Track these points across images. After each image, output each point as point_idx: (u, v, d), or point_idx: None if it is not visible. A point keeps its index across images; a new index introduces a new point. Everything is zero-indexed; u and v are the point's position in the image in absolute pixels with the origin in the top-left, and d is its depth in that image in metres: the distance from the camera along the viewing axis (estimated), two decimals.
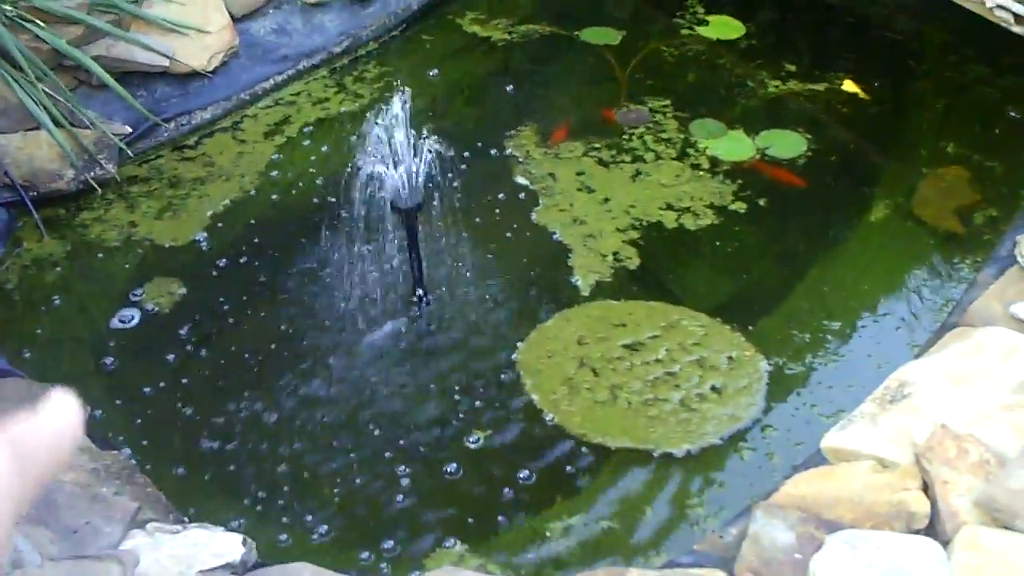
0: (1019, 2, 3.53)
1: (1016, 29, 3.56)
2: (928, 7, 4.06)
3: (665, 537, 2.67)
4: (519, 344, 3.15)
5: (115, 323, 3.24)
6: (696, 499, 2.75)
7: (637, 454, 2.86)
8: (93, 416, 2.91)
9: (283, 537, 2.69)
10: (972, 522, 2.21)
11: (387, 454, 2.89)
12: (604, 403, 2.97)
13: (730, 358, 3.11)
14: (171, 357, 3.14)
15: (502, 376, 3.07)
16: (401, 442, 2.92)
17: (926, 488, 2.32)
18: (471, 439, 2.90)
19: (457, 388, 3.05)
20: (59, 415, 0.68)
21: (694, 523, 2.69)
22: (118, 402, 3.02)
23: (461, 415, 2.97)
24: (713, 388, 3.02)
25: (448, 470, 2.84)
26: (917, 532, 2.25)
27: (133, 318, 3.25)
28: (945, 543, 2.19)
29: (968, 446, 2.33)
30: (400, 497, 2.78)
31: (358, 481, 2.83)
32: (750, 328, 3.18)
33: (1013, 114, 3.87)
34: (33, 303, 3.33)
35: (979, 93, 4.09)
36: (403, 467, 2.85)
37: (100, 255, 3.47)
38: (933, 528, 2.26)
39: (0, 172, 3.48)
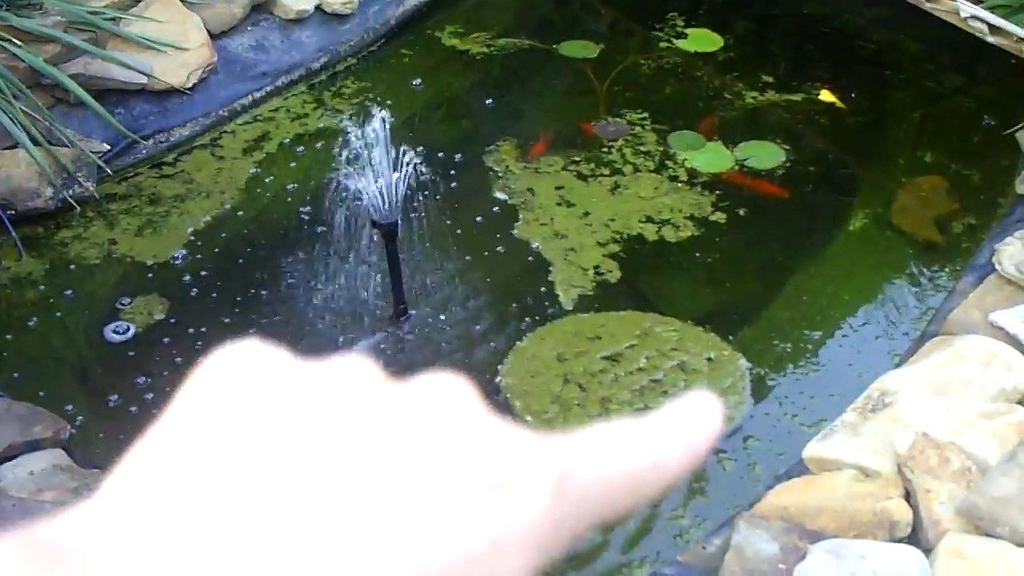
0: (993, 13, 3.55)
1: (991, 39, 3.58)
2: (903, 17, 4.08)
3: (647, 548, 2.67)
4: (500, 367, 3.14)
5: (109, 335, 3.22)
6: (679, 510, 2.75)
7: None
8: (74, 434, 2.89)
9: None
10: (954, 530, 2.22)
11: None
12: (598, 417, 2.97)
13: (709, 359, 3.13)
14: (152, 373, 3.13)
15: (490, 401, 3.04)
16: None
17: (908, 496, 2.33)
18: None
19: None
20: (686, 432, 0.44)
21: (677, 534, 2.69)
22: (98, 419, 3.01)
23: None
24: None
25: None
26: (900, 540, 2.25)
27: (129, 329, 3.24)
28: (928, 551, 2.20)
29: (949, 454, 2.34)
30: None
31: None
32: (731, 338, 3.19)
33: (989, 123, 3.89)
34: (12, 322, 3.32)
35: (956, 102, 4.12)
36: None
37: (80, 273, 3.46)
38: (916, 536, 2.26)
39: None
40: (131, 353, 3.20)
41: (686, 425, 0.44)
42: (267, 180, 3.83)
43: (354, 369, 0.40)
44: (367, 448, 0.36)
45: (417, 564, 0.34)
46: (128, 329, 3.25)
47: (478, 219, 3.64)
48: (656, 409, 0.44)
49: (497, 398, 3.05)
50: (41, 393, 3.04)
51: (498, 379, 3.10)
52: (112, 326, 3.25)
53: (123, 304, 3.34)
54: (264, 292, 3.39)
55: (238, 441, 0.36)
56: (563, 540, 0.38)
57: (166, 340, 3.23)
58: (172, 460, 0.36)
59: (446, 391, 0.39)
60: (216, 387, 0.38)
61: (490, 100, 4.25)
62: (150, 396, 3.07)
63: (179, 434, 0.37)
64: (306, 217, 3.60)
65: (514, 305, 3.34)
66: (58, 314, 3.36)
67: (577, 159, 3.86)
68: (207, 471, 0.35)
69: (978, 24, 3.57)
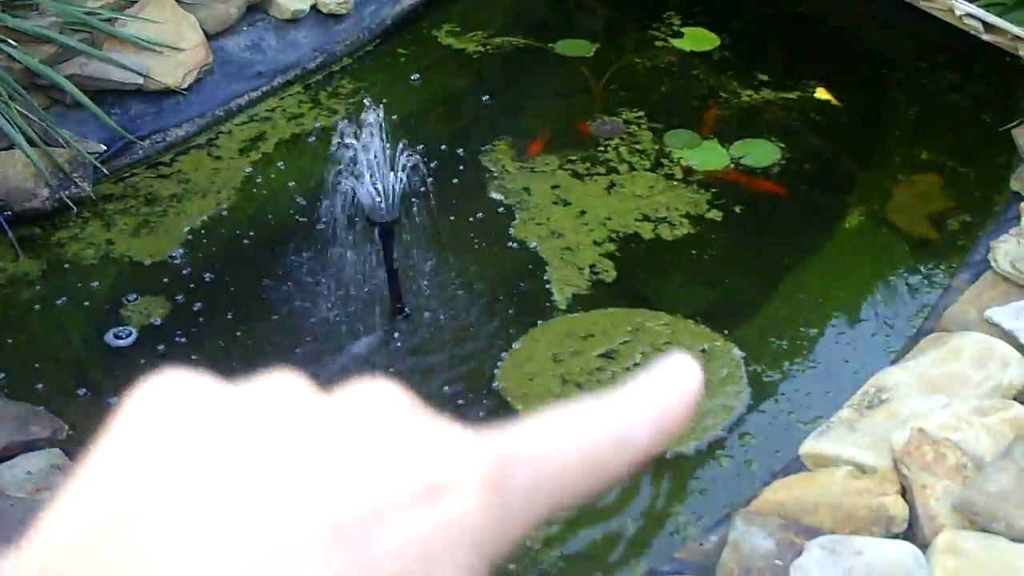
0: (988, 10, 3.56)
1: (986, 37, 3.59)
2: (899, 15, 4.09)
3: (645, 545, 2.67)
4: (496, 371, 3.14)
5: (110, 340, 3.21)
6: (677, 507, 2.76)
7: (657, 458, 2.86)
8: (71, 436, 2.89)
9: None
10: (950, 525, 2.22)
11: None
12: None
13: (703, 350, 3.14)
14: (150, 373, 3.13)
15: (490, 406, 3.04)
16: None
17: (904, 492, 2.33)
18: None
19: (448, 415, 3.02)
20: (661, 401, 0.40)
21: (674, 530, 2.70)
22: (96, 419, 3.01)
23: None
24: None
25: None
26: (896, 536, 2.26)
27: (131, 333, 3.23)
28: (924, 547, 2.20)
29: (945, 450, 2.34)
30: None
31: None
32: (726, 332, 3.20)
33: (985, 120, 3.90)
34: (8, 323, 3.32)
35: (951, 100, 4.13)
36: None
37: (77, 273, 3.46)
38: (912, 532, 2.27)
39: None
40: (128, 353, 3.20)
41: (656, 393, 0.40)
42: (263, 180, 3.83)
43: (280, 388, 0.37)
44: (293, 466, 0.34)
45: None
46: (130, 334, 3.24)
47: (475, 218, 3.64)
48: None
49: (496, 402, 3.04)
50: (36, 393, 3.04)
51: (495, 383, 3.09)
52: (114, 331, 3.24)
53: (128, 300, 3.33)
54: (261, 292, 3.39)
55: (167, 475, 0.35)
56: (510, 536, 0.37)
57: (164, 340, 3.24)
58: (105, 497, 0.35)
59: (375, 398, 0.37)
60: (144, 421, 0.37)
61: (486, 99, 4.25)
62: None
63: (110, 471, 0.36)
64: (303, 217, 3.60)
65: (511, 305, 3.34)
66: (55, 315, 3.36)
67: (573, 158, 3.86)
68: (140, 507, 0.34)
69: (973, 22, 3.57)
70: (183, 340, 3.24)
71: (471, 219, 3.63)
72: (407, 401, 0.37)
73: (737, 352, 3.13)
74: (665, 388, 0.39)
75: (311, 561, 0.32)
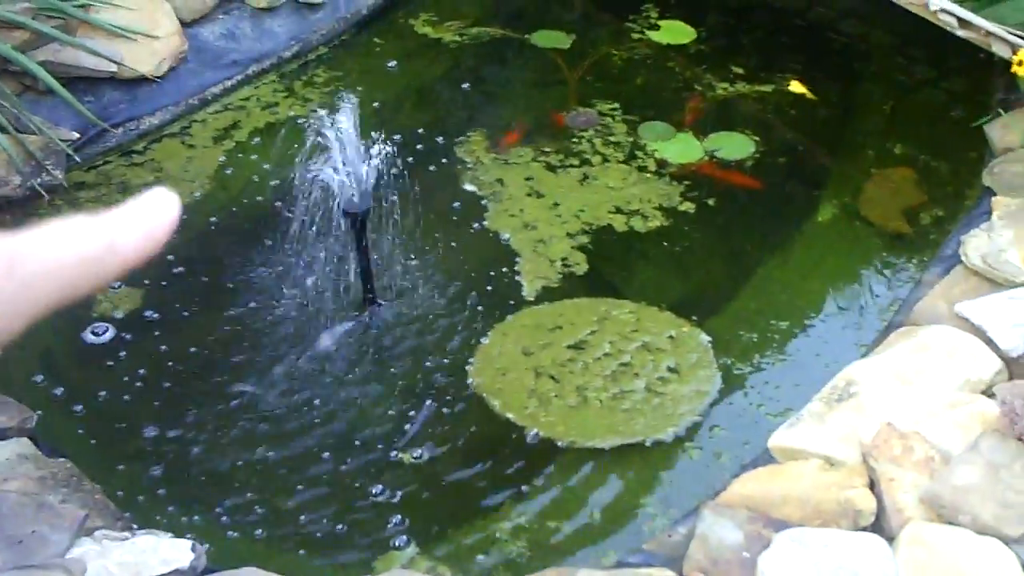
0: (962, 6, 3.57)
1: (960, 32, 3.60)
2: (874, 11, 4.10)
3: (614, 536, 2.68)
4: (468, 368, 3.13)
5: (87, 336, 3.21)
6: (645, 499, 2.76)
7: (630, 449, 2.88)
8: (40, 424, 2.87)
9: (231, 541, 2.68)
10: (917, 518, 2.24)
11: (364, 472, 2.88)
12: (578, 407, 2.98)
13: (671, 337, 3.16)
14: (121, 363, 3.12)
15: (466, 403, 3.05)
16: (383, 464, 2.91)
17: (872, 486, 2.35)
18: (462, 470, 2.89)
19: (419, 414, 3.03)
20: (134, 217, 0.51)
21: (643, 522, 2.70)
22: (68, 411, 3.00)
23: (442, 445, 2.94)
24: (670, 369, 3.06)
25: (452, 499, 2.83)
26: (864, 529, 2.27)
27: (107, 329, 3.22)
28: (891, 539, 2.21)
29: (913, 444, 2.36)
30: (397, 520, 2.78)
31: (328, 492, 2.82)
32: (694, 319, 3.21)
33: (958, 115, 3.91)
34: None
35: (925, 95, 4.14)
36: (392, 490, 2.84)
37: None
38: (879, 525, 2.28)
39: None
40: (102, 345, 3.19)
41: (142, 214, 0.51)
42: (237, 169, 3.82)
43: None
44: None
45: None
46: (106, 330, 3.23)
47: (448, 209, 3.64)
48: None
49: (472, 399, 3.04)
50: (8, 384, 3.03)
51: (469, 380, 3.09)
52: (91, 327, 3.23)
53: (113, 288, 3.32)
54: (235, 282, 3.38)
55: None
56: (17, 319, 0.45)
57: (137, 330, 3.23)
58: None
59: None
60: None
61: (462, 89, 4.24)
62: (116, 384, 3.07)
63: None
64: (277, 206, 3.59)
65: (482, 297, 3.34)
66: None
67: (547, 149, 3.86)
68: None
69: (947, 18, 3.59)
70: (158, 330, 3.23)
71: (445, 210, 3.63)
72: None
73: (704, 337, 3.15)
74: (149, 211, 0.51)
75: None
